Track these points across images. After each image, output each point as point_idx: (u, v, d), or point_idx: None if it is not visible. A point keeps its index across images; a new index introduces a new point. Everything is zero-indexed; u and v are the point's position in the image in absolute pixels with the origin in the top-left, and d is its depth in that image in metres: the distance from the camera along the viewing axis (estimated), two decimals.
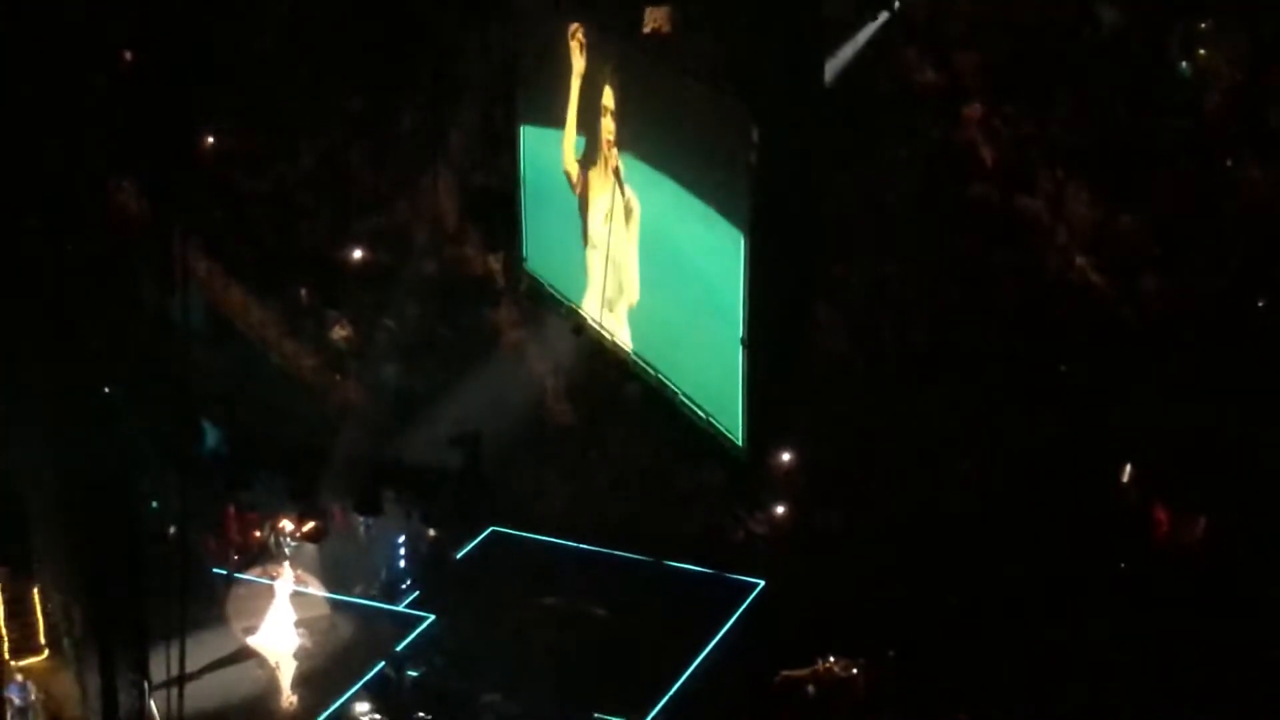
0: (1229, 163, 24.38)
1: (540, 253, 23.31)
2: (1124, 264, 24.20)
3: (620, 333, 21.15)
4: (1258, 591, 20.35)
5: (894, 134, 25.59)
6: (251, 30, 26.37)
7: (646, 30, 19.86)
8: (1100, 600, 20.71)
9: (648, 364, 20.57)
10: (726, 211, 17.87)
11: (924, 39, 25.95)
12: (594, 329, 21.94)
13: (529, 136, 22.98)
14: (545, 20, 22.22)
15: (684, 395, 19.76)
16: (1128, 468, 22.57)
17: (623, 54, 19.81)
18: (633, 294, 20.70)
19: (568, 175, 22.25)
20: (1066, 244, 24.61)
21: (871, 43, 23.33)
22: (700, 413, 19.34)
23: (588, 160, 21.38)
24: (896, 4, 23.40)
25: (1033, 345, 23.66)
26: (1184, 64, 25.16)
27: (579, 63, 21.01)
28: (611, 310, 21.40)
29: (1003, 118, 25.48)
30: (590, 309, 22.03)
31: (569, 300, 22.62)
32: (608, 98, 20.21)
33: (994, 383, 23.50)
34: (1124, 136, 24.80)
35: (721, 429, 18.98)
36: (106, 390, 15.99)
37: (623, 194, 20.31)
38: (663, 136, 19.55)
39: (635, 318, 20.79)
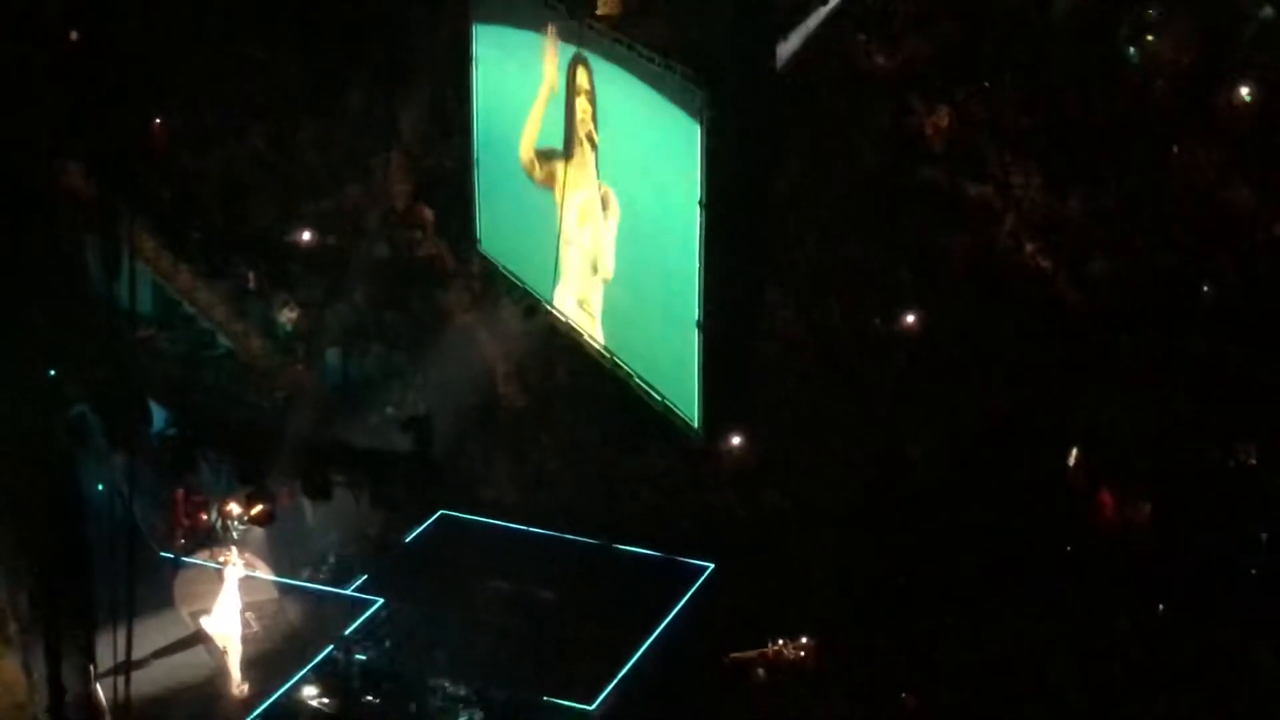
0: (1175, 148, 24.57)
1: (494, 235, 23.23)
2: (1072, 248, 24.37)
3: (575, 315, 21.12)
4: (1202, 576, 20.54)
5: (844, 118, 25.65)
6: (200, 8, 26.11)
7: (600, 12, 19.82)
8: (1046, 582, 20.86)
9: (603, 346, 20.55)
10: (683, 193, 17.86)
11: (874, 24, 26.03)
12: (547, 312, 21.90)
13: (483, 117, 22.87)
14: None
15: (639, 378, 19.73)
16: (1074, 451, 22.74)
17: (586, 34, 19.74)
18: (589, 277, 20.66)
19: (528, 162, 22.11)
20: (1015, 228, 24.75)
21: (823, 26, 23.36)
22: (656, 395, 19.33)
23: (553, 144, 21.27)
24: None
25: (982, 328, 23.79)
26: (1131, 50, 25.32)
27: (545, 44, 20.92)
28: (566, 293, 21.36)
29: (951, 102, 25.58)
30: (544, 292, 21.98)
31: (523, 283, 22.56)
32: (582, 78, 20.16)
33: (943, 366, 23.63)
34: (1072, 121, 24.95)
35: (678, 412, 18.98)
36: (51, 373, 15.84)
37: (596, 178, 20.26)
38: (626, 121, 19.52)
39: (590, 300, 20.76)
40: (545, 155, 21.65)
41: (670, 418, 19.22)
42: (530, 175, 22.03)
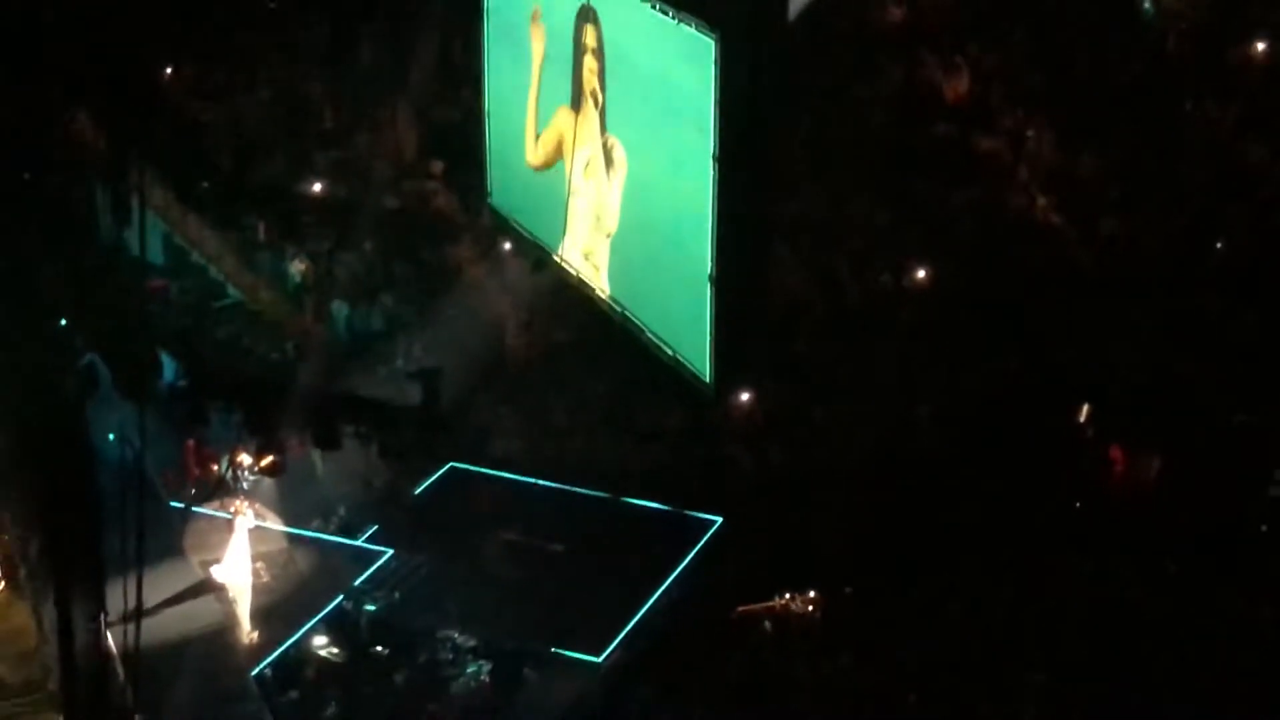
0: (1188, 105, 24.44)
1: (505, 188, 23.14)
2: (1084, 204, 24.27)
3: (587, 270, 21.08)
4: (1212, 532, 20.55)
5: (856, 72, 25.52)
6: None
7: None
8: (1056, 539, 20.87)
9: (615, 300, 20.51)
10: (695, 146, 17.77)
11: None
12: (558, 265, 21.86)
13: (494, 72, 22.76)
14: None
15: (651, 332, 19.70)
16: (1085, 408, 22.71)
17: None
18: (602, 231, 20.60)
19: (533, 126, 22.05)
20: (1027, 184, 24.65)
21: None
22: (666, 350, 19.30)
23: (561, 101, 21.19)
24: None
25: (992, 285, 23.71)
26: (1146, 4, 25.17)
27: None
28: (574, 246, 21.31)
29: (965, 57, 25.44)
30: (554, 245, 21.93)
31: (534, 236, 22.50)
32: (589, 36, 20.05)
33: (952, 323, 23.57)
34: (1085, 77, 24.82)
35: (689, 366, 18.96)
36: (62, 322, 15.85)
37: (603, 134, 20.16)
38: (635, 73, 19.41)
39: (603, 255, 20.71)
40: (547, 133, 21.60)
41: (680, 372, 19.17)
42: (532, 132, 22.01)
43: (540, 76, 21.60)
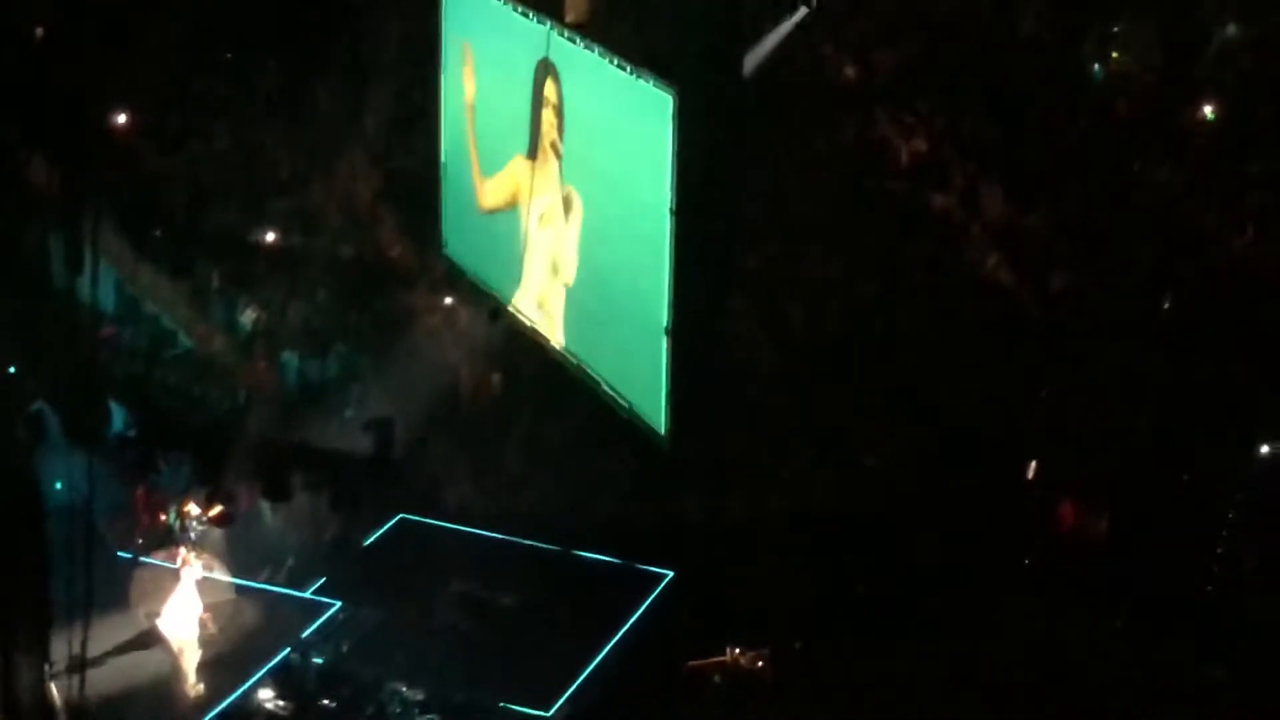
0: (1138, 165, 24.72)
1: (459, 238, 23.18)
2: (1034, 261, 24.48)
3: (542, 319, 21.10)
4: (1161, 589, 20.67)
5: (810, 128, 25.69)
6: (165, 5, 25.98)
7: (568, 20, 19.81)
8: (1005, 593, 20.94)
9: (569, 351, 20.53)
10: (653, 199, 17.89)
11: (841, 35, 26.09)
12: (513, 315, 21.87)
13: (451, 122, 22.82)
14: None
15: (605, 384, 19.72)
16: (1033, 464, 22.84)
17: (554, 41, 19.75)
18: (559, 281, 20.64)
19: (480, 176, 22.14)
20: (978, 240, 24.84)
21: (790, 37, 23.39)
22: (622, 402, 19.31)
23: (518, 150, 21.27)
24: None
25: (943, 340, 23.86)
26: (1097, 66, 25.47)
27: (513, 51, 20.90)
28: (534, 296, 21.33)
29: (916, 115, 25.67)
30: (508, 296, 21.95)
31: (489, 286, 22.52)
32: (549, 89, 20.17)
33: (904, 376, 23.69)
34: (1036, 136, 25.07)
35: (643, 419, 18.98)
36: (11, 369, 15.74)
37: (562, 184, 20.25)
38: (594, 126, 19.54)
39: (558, 304, 20.75)
40: (501, 178, 21.70)
41: (636, 423, 19.20)
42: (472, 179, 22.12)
43: (492, 131, 21.70)
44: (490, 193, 21.98)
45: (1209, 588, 21.11)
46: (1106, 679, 19.70)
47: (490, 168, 21.95)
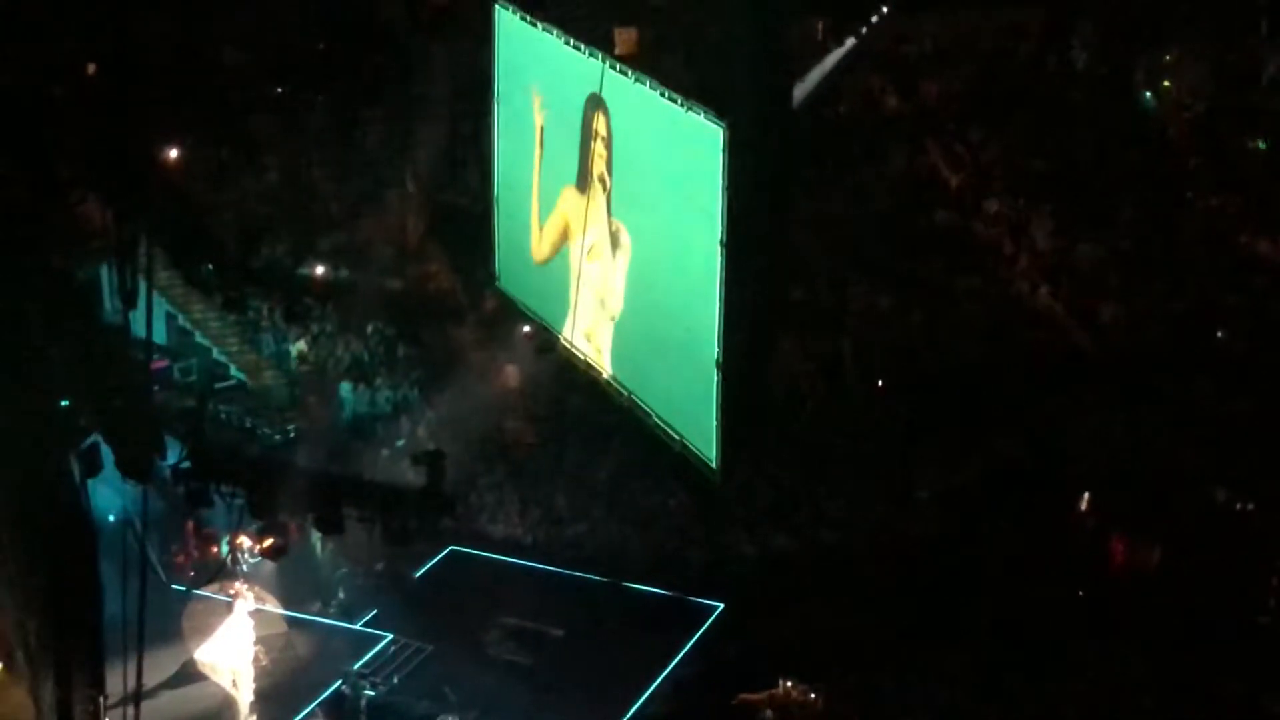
0: (1189, 194, 24.60)
1: (512, 271, 23.27)
2: (1084, 291, 24.36)
3: (590, 351, 21.14)
4: (1211, 621, 20.44)
5: (859, 159, 25.70)
6: (217, 43, 26.24)
7: (618, 53, 19.92)
8: (1057, 627, 20.76)
9: (621, 385, 20.54)
10: (703, 232, 17.92)
11: (889, 66, 26.12)
12: (565, 348, 21.91)
13: (505, 156, 22.94)
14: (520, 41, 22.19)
15: (657, 417, 19.72)
16: (1085, 496, 22.67)
17: (606, 75, 19.85)
18: (607, 314, 20.70)
19: (536, 217, 22.26)
20: (1027, 270, 24.76)
21: (838, 69, 23.45)
22: (674, 435, 19.30)
23: (568, 181, 21.37)
24: (863, 31, 23.53)
25: (993, 370, 23.75)
26: (1148, 94, 25.40)
27: (567, 86, 21.03)
28: (582, 328, 21.39)
29: (966, 145, 25.64)
30: (561, 328, 22.01)
31: (541, 319, 22.59)
32: (599, 123, 20.27)
33: (953, 407, 23.59)
34: (1086, 166, 24.99)
35: (696, 452, 18.96)
36: (65, 402, 15.85)
37: (610, 218, 20.33)
38: (644, 159, 19.61)
39: (606, 337, 20.80)
40: (552, 217, 21.80)
41: (688, 457, 19.18)
42: (533, 214, 22.19)
43: (544, 164, 21.79)
44: (545, 237, 22.09)
45: (1266, 619, 20.84)
46: (1166, 713, 19.47)
47: (546, 209, 22.06)
